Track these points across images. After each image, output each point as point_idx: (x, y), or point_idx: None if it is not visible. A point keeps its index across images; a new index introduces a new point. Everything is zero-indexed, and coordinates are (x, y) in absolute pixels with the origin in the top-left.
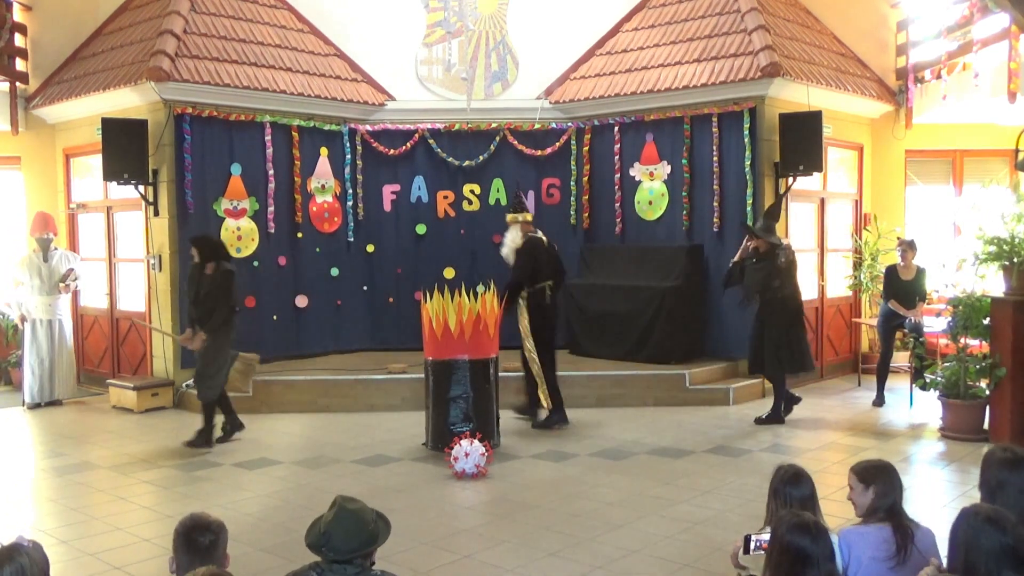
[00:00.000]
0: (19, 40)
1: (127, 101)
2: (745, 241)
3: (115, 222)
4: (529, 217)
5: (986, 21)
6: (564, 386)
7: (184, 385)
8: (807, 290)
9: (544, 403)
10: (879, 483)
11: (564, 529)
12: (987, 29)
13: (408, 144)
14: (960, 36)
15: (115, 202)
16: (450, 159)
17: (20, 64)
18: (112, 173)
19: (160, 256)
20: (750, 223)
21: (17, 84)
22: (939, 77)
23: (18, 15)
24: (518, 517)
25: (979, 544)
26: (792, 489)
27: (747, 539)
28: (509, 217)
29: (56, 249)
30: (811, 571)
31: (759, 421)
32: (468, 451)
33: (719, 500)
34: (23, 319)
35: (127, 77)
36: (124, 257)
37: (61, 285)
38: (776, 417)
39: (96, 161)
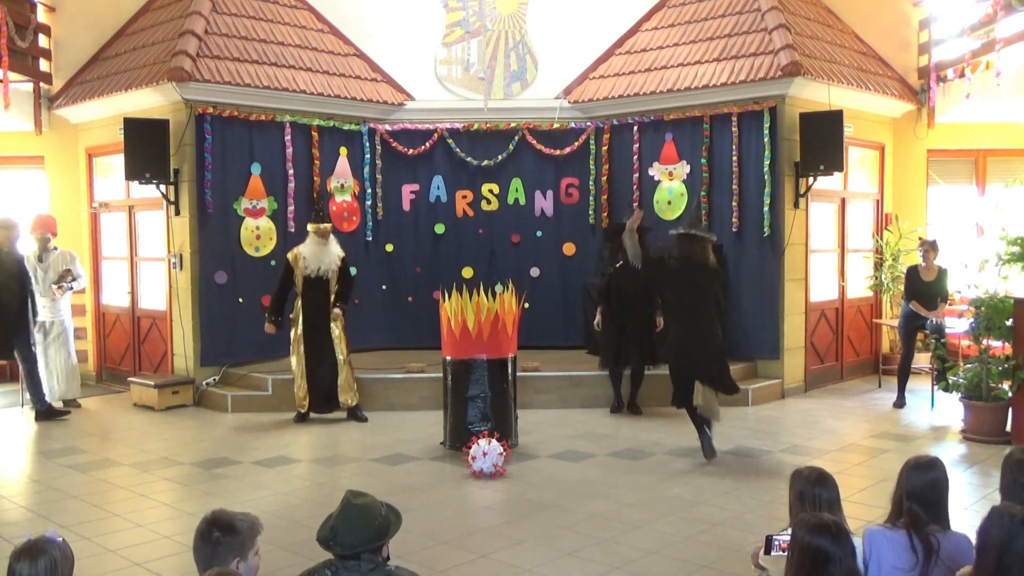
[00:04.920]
0: (43, 41)
1: (149, 101)
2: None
3: (137, 221)
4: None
5: (1009, 20)
6: (584, 386)
7: (205, 383)
8: (829, 290)
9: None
10: (899, 479)
11: (582, 529)
12: (1010, 28)
13: (427, 144)
14: (983, 35)
15: (137, 201)
16: (469, 159)
17: (44, 65)
18: (134, 173)
19: (181, 255)
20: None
21: (41, 84)
22: (962, 76)
23: (42, 16)
24: (536, 517)
25: (1012, 547)
26: (817, 491)
27: (769, 540)
28: (327, 227)
29: (55, 249)
30: (832, 571)
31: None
32: (486, 450)
33: (738, 501)
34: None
35: (149, 77)
36: (145, 256)
37: (54, 287)
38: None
39: (118, 161)
